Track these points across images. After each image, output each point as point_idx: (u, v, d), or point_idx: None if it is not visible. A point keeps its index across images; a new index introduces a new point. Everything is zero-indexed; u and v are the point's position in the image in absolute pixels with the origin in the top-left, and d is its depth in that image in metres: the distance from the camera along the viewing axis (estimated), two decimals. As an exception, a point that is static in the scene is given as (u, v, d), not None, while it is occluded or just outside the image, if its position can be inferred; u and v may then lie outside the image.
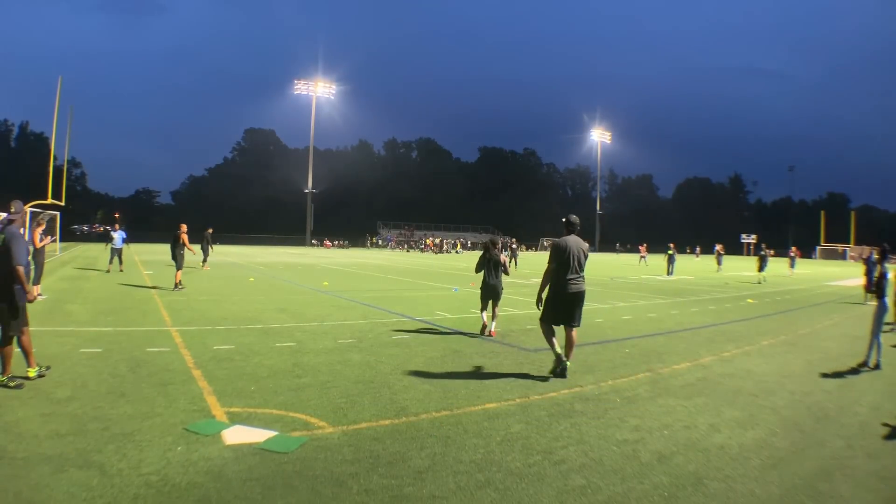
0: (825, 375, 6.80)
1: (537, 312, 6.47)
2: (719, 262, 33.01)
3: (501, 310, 9.14)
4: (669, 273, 25.02)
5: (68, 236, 50.17)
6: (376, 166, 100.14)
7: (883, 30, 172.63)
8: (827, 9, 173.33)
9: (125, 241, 19.74)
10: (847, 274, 32.95)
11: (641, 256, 38.31)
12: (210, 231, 22.63)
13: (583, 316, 6.36)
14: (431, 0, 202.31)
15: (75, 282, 14.97)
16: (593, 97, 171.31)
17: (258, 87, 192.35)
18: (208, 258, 22.21)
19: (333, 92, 71.06)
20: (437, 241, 64.37)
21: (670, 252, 25.50)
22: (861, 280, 16.59)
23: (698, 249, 64.64)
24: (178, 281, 13.75)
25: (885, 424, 4.93)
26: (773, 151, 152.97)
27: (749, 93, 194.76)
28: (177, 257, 14.13)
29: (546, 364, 6.67)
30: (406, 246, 67.56)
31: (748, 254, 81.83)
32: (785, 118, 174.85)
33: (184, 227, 14.57)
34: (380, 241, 73.64)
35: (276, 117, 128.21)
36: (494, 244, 9.07)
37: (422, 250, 61.42)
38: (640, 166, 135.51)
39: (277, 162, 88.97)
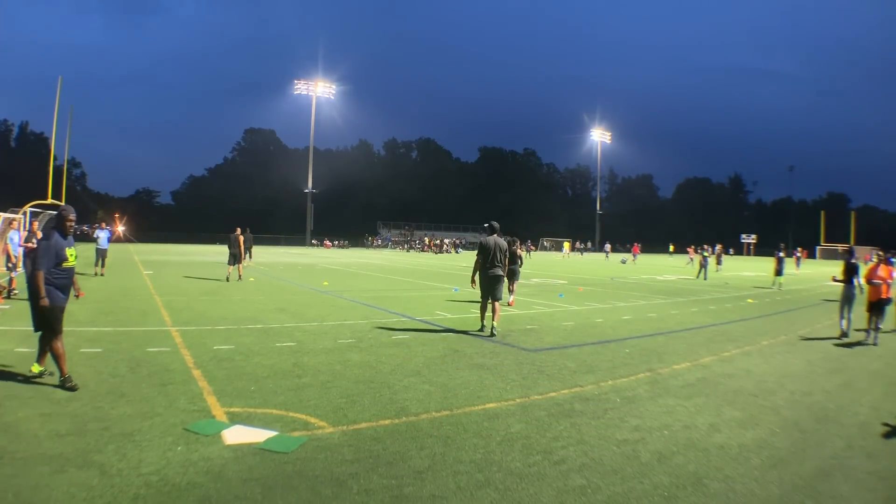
0: (825, 375, 6.80)
1: (537, 312, 6.53)
2: (719, 262, 33.02)
3: (503, 310, 9.82)
4: (704, 277, 24.26)
5: (68, 236, 50.04)
6: (376, 166, 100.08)
7: (883, 30, 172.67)
8: (827, 9, 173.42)
9: (111, 240, 19.08)
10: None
11: (690, 259, 39.02)
12: (248, 230, 24.66)
13: (579, 315, 6.67)
14: (431, 0, 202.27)
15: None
16: (593, 97, 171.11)
17: (258, 88, 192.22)
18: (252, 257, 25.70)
19: (333, 92, 71.00)
20: (438, 241, 64.33)
21: (705, 254, 25.16)
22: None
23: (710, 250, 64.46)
24: (240, 274, 17.13)
25: (886, 424, 4.93)
26: (773, 151, 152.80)
27: (749, 93, 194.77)
28: (236, 255, 17.01)
29: (546, 363, 6.81)
30: (406, 246, 67.54)
31: (748, 254, 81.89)
32: (785, 118, 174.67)
33: (238, 230, 17.36)
34: (380, 241, 73.62)
35: (276, 117, 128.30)
36: (512, 243, 12.01)
37: (422, 250, 61.43)
38: (640, 166, 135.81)
39: (277, 162, 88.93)
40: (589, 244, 76.78)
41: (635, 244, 46.09)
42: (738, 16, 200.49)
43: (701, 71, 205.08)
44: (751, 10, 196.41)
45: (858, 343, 9.17)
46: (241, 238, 17.22)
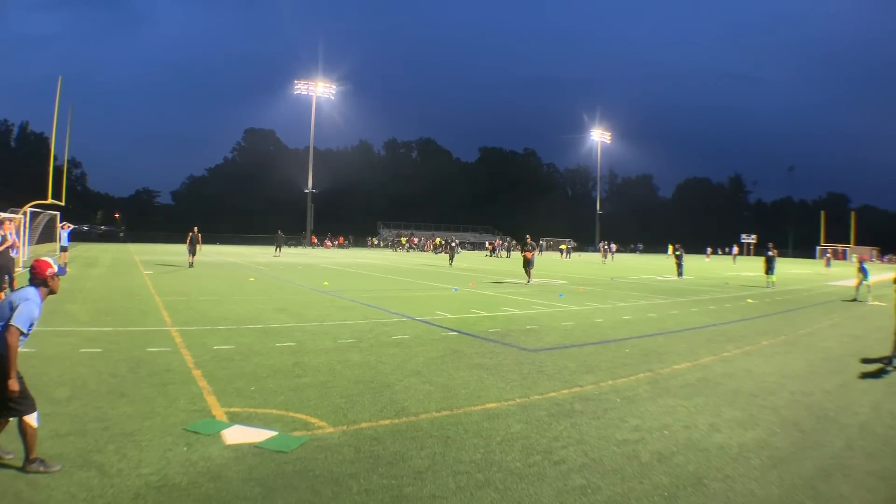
0: (825, 375, 6.80)
1: (537, 312, 6.54)
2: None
3: (502, 310, 10.06)
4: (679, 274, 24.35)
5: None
6: (376, 166, 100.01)
7: (881, 31, 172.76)
8: (827, 11, 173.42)
9: (70, 239, 19.53)
10: (847, 274, 32.91)
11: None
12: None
13: (579, 315, 7.03)
14: (432, 0, 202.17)
15: (75, 282, 14.96)
16: (593, 97, 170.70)
17: (258, 88, 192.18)
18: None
19: (333, 92, 70.89)
20: (438, 241, 64.26)
21: (735, 253, 25.09)
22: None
23: (726, 249, 63.85)
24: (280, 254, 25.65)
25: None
26: (773, 151, 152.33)
27: (749, 94, 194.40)
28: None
29: (546, 363, 6.82)
30: (407, 246, 67.53)
31: (747, 254, 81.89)
32: (785, 119, 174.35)
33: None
34: (381, 242, 73.57)
35: (276, 117, 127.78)
36: (528, 242, 19.66)
37: (423, 250, 61.45)
38: (640, 166, 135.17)
39: (277, 162, 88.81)
40: (585, 244, 74.52)
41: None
42: (739, 18, 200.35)
43: (703, 74, 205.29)
44: (752, 13, 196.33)
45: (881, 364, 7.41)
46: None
